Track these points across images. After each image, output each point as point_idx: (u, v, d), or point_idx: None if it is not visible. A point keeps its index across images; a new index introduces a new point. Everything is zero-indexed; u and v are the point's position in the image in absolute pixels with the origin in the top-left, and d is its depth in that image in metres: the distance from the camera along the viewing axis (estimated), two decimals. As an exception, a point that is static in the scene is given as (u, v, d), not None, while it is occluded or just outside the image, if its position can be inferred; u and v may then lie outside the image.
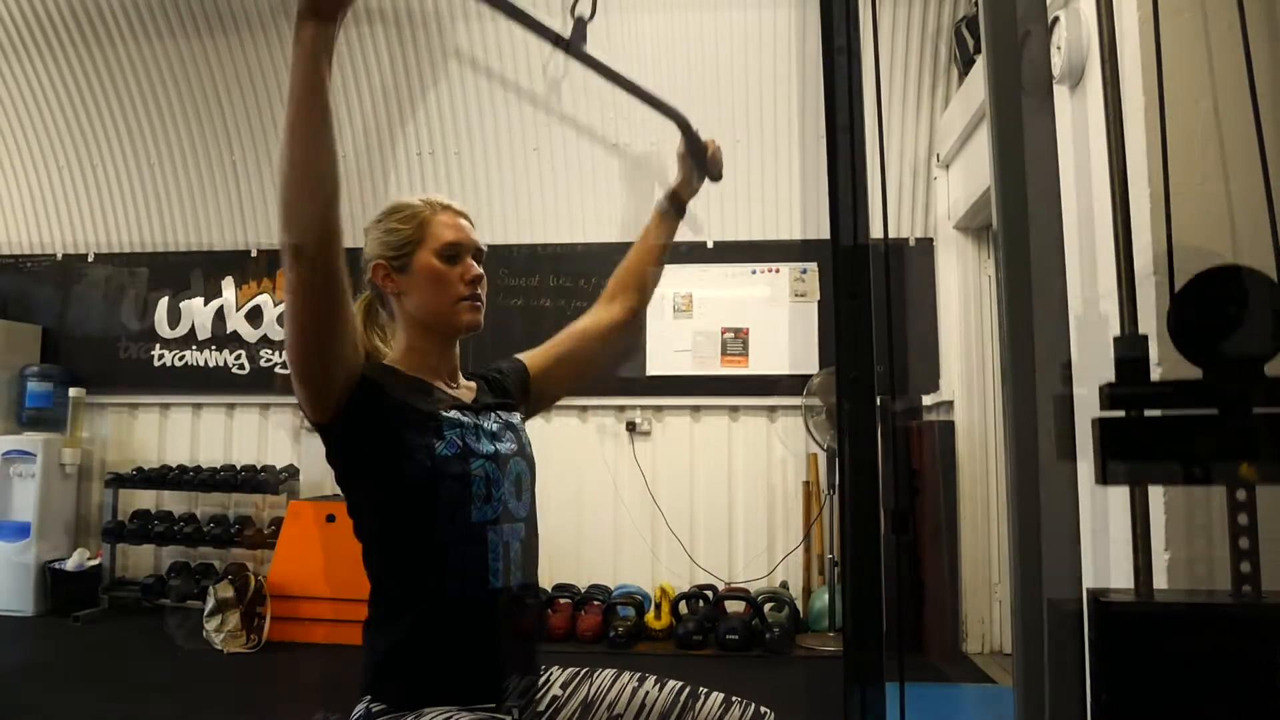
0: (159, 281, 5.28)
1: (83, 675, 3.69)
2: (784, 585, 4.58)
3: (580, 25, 1.26)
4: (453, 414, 1.27)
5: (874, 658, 0.91)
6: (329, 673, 3.70)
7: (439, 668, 1.19)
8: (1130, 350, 0.77)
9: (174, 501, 5.10)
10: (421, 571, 1.21)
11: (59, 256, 5.43)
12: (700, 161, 1.59)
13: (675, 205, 1.64)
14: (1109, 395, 0.76)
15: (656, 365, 4.72)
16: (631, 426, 4.80)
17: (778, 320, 4.75)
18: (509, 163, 4.88)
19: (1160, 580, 1.77)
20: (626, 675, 1.34)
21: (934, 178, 4.57)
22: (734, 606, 4.36)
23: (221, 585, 4.07)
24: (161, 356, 5.22)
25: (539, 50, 4.58)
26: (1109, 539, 2.05)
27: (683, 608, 4.26)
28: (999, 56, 0.83)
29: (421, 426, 1.23)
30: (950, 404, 4.34)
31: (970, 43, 4.14)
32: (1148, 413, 0.75)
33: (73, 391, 5.08)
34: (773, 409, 4.74)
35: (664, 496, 4.75)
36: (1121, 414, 0.75)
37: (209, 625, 4.02)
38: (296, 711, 3.32)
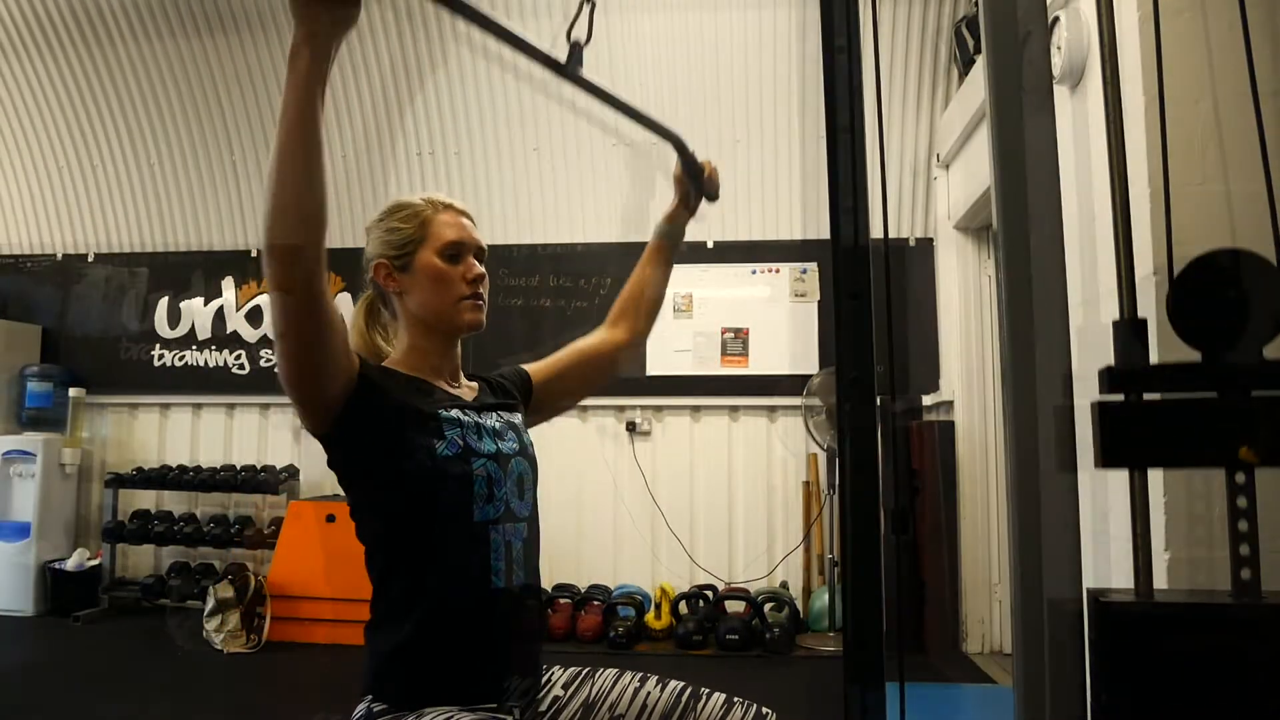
0: (159, 281, 5.28)
1: (83, 675, 3.69)
2: (784, 585, 4.58)
3: (576, 50, 1.25)
4: (453, 413, 1.27)
5: (874, 658, 0.91)
6: (329, 673, 3.70)
7: (441, 668, 1.19)
8: (1129, 334, 0.77)
9: (174, 501, 5.10)
10: (424, 572, 1.21)
11: (59, 256, 5.43)
12: (697, 182, 1.58)
13: (673, 228, 1.63)
14: (1109, 378, 0.76)
15: (656, 365, 4.72)
16: (631, 426, 4.80)
17: (778, 320, 4.75)
18: (509, 163, 4.88)
19: (1160, 580, 1.77)
20: (628, 675, 1.34)
21: (934, 178, 4.57)
22: (734, 606, 4.36)
23: (221, 585, 4.07)
24: (161, 356, 5.22)
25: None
26: (1109, 539, 2.05)
27: (683, 608, 4.26)
28: (999, 56, 0.83)
29: (422, 426, 1.23)
30: (950, 404, 4.34)
31: (970, 43, 4.14)
32: (1147, 396, 0.75)
33: (73, 391, 5.08)
34: (773, 409, 4.74)
35: (664, 496, 4.75)
36: (1121, 397, 0.75)
37: (209, 625, 4.02)
38: (296, 711, 3.32)
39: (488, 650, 1.22)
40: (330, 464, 1.24)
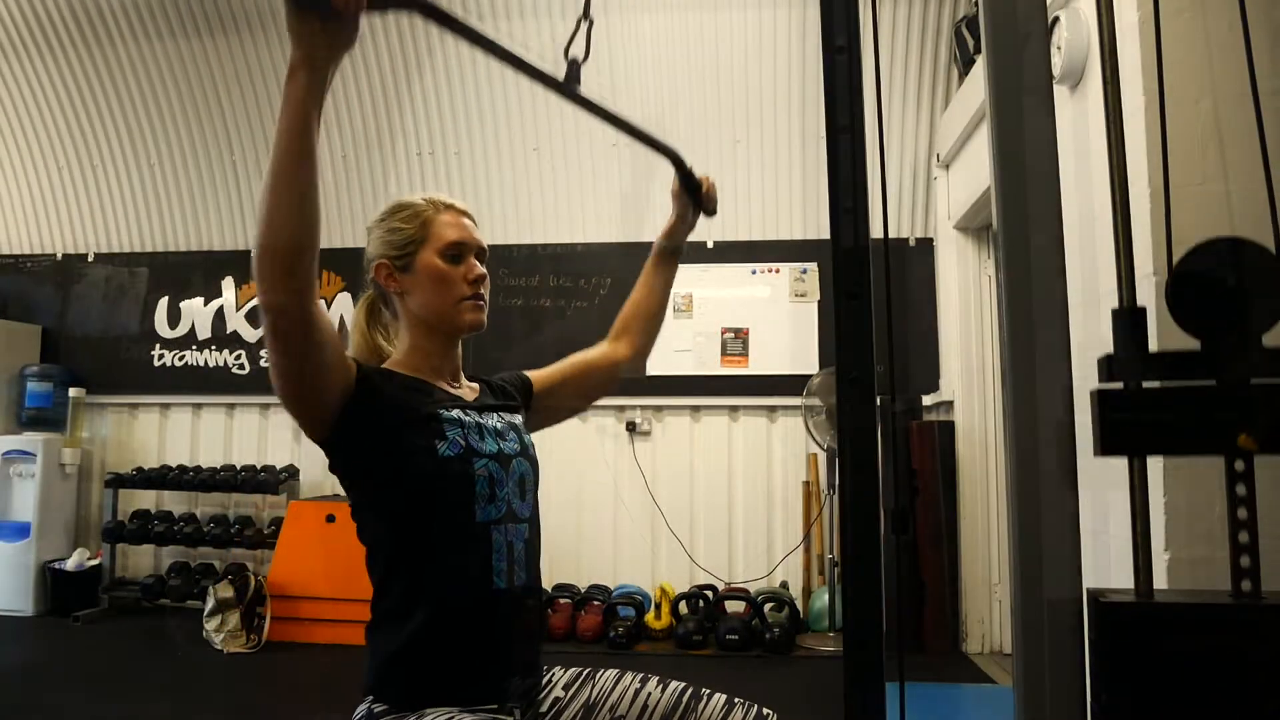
0: (159, 281, 5.28)
1: (83, 675, 3.69)
2: (784, 585, 4.58)
3: (574, 67, 1.25)
4: (454, 413, 1.27)
5: (874, 658, 0.91)
6: (329, 673, 3.70)
7: (442, 668, 1.19)
8: (1128, 321, 0.77)
9: (174, 501, 5.10)
10: (425, 572, 1.21)
11: (59, 256, 5.43)
12: (695, 197, 1.58)
13: (672, 244, 1.63)
14: (1108, 366, 0.76)
15: (656, 365, 4.71)
16: (631, 426, 4.80)
17: (778, 320, 4.75)
18: (509, 163, 4.89)
19: (1160, 580, 1.77)
20: (629, 676, 1.34)
21: (934, 178, 4.57)
22: (734, 606, 4.36)
23: (221, 585, 4.07)
24: (161, 356, 5.22)
25: (539, 50, 4.58)
26: (1109, 539, 2.05)
27: (683, 608, 4.26)
28: (999, 56, 0.83)
29: (422, 427, 1.23)
30: (950, 404, 4.34)
31: (970, 43, 4.14)
32: (1146, 384, 0.75)
33: (73, 391, 5.08)
34: (773, 409, 4.74)
35: (664, 496, 4.75)
36: (1120, 385, 0.75)
37: (209, 625, 4.02)
38: (296, 711, 3.32)
39: (489, 651, 1.22)
40: (332, 469, 1.24)
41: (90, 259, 5.38)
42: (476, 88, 4.76)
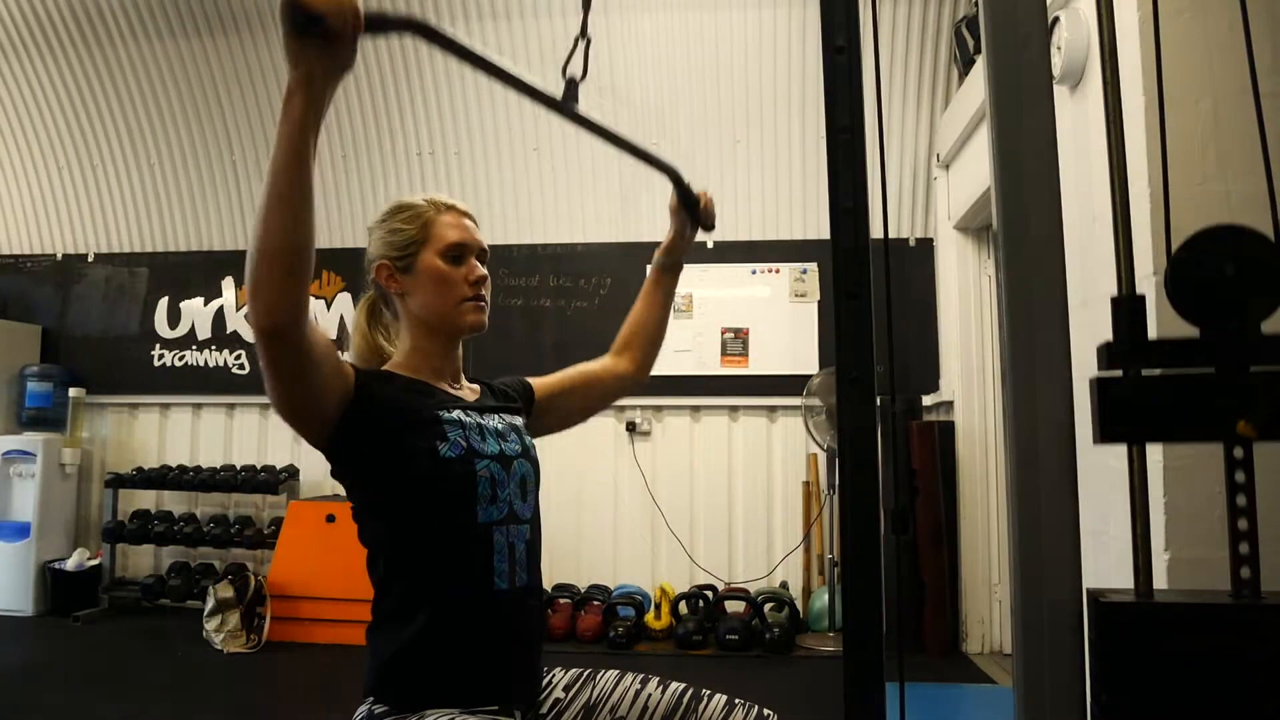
0: (159, 281, 5.29)
1: (83, 675, 3.69)
2: (784, 585, 4.58)
3: (572, 86, 1.25)
4: (455, 414, 1.27)
5: (874, 658, 0.91)
6: (329, 673, 3.70)
7: (443, 670, 1.19)
8: (1127, 309, 0.77)
9: (174, 501, 5.11)
10: (426, 573, 1.21)
11: (59, 256, 5.43)
12: (693, 213, 1.58)
13: (671, 260, 1.63)
14: (1107, 354, 0.76)
15: (657, 365, 4.70)
16: (631, 426, 4.80)
17: (778, 320, 4.75)
18: (509, 163, 4.89)
19: (1160, 580, 1.77)
20: (629, 677, 1.34)
21: (934, 178, 4.57)
22: (734, 606, 4.36)
23: (221, 585, 4.07)
24: (161, 356, 5.22)
25: (538, 51, 4.58)
26: (1109, 539, 2.05)
27: (683, 608, 4.26)
28: (999, 56, 0.83)
29: (423, 429, 1.22)
30: (950, 404, 4.34)
31: (970, 43, 4.14)
32: (1145, 373, 0.75)
33: (73, 391, 5.08)
34: (773, 409, 4.74)
35: (664, 496, 4.75)
36: (1119, 373, 0.75)
37: (209, 625, 4.02)
38: (296, 711, 3.32)
39: (490, 652, 1.22)
40: (334, 474, 1.24)
41: (90, 259, 5.39)
42: (476, 88, 4.76)
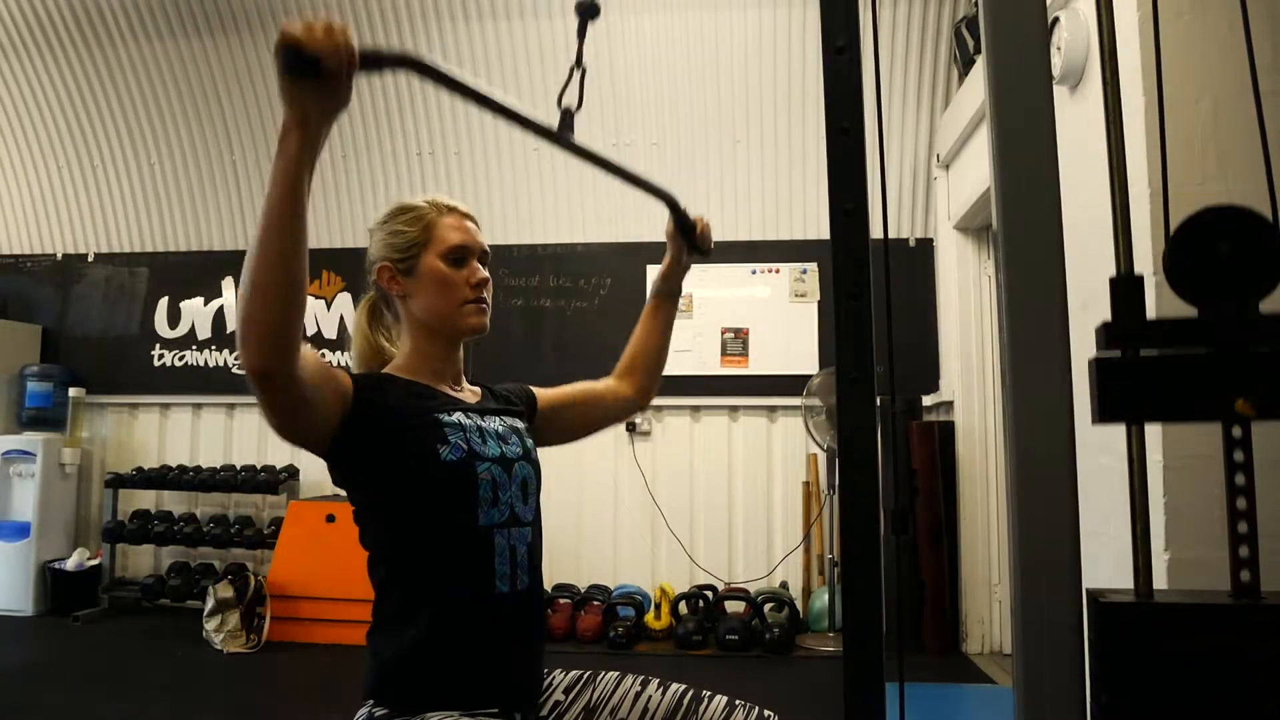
0: (159, 281, 5.29)
1: (83, 675, 3.69)
2: (784, 585, 4.58)
3: (567, 116, 1.25)
4: (455, 416, 1.27)
5: (874, 658, 0.91)
6: (329, 673, 3.70)
7: (443, 672, 1.19)
8: (1126, 290, 0.77)
9: (174, 501, 5.11)
10: (427, 577, 1.21)
11: (59, 256, 5.43)
12: (690, 238, 1.58)
13: (669, 287, 1.62)
14: (1105, 334, 0.76)
15: (656, 365, 4.72)
16: (631, 426, 4.80)
17: (778, 320, 4.75)
18: (509, 163, 4.89)
19: (1160, 580, 1.77)
20: (630, 679, 1.33)
21: (934, 178, 4.57)
22: (734, 607, 4.36)
23: (221, 585, 4.07)
24: (161, 356, 5.22)
25: (538, 51, 4.58)
26: (1109, 539, 2.05)
27: (683, 608, 4.26)
28: (999, 56, 0.83)
29: (424, 432, 1.22)
30: (950, 404, 4.34)
31: (970, 43, 4.14)
32: (1144, 353, 0.75)
33: (73, 391, 5.08)
34: (773, 409, 4.74)
35: (664, 496, 4.75)
36: (1118, 354, 0.75)
37: (209, 625, 4.02)
38: (296, 711, 3.32)
39: (491, 655, 1.21)
40: (335, 481, 1.24)
41: (90, 259, 5.39)
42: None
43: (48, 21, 4.89)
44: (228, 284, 5.20)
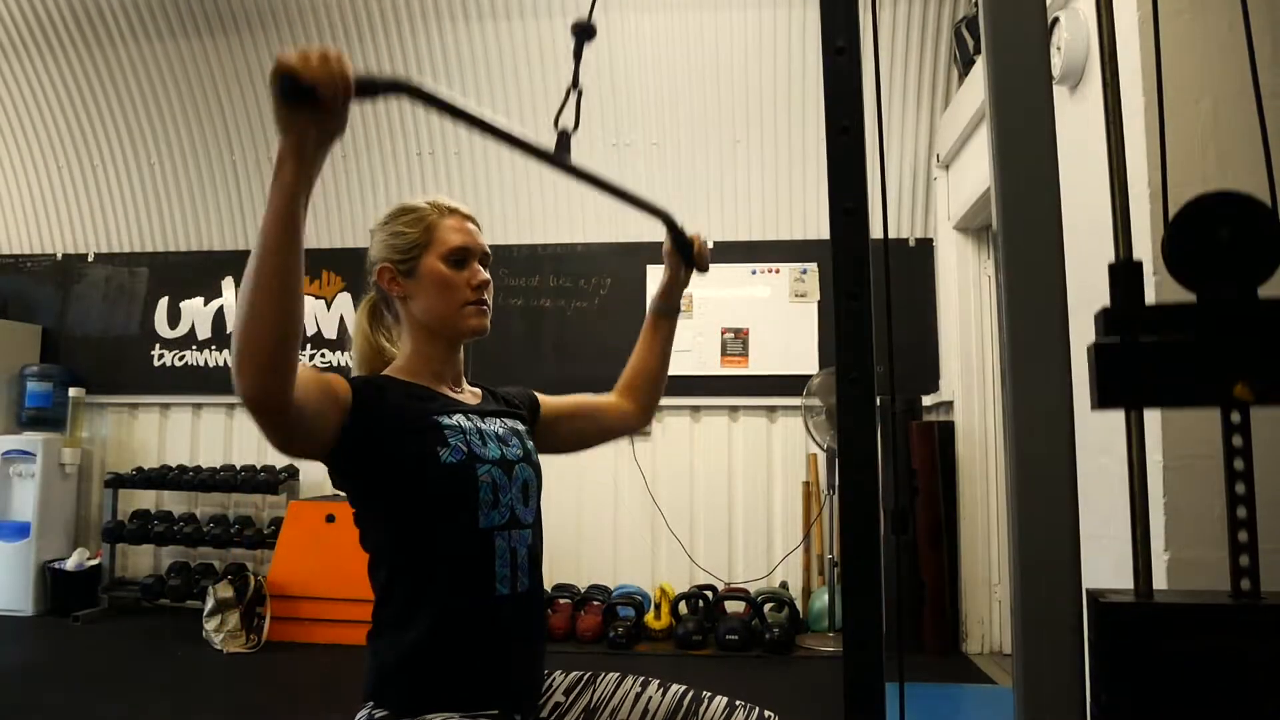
0: (159, 281, 5.29)
1: (83, 675, 3.69)
2: (784, 585, 4.58)
3: (564, 138, 1.25)
4: (455, 419, 1.27)
5: (874, 658, 0.91)
6: (329, 673, 3.70)
7: (444, 674, 1.19)
8: (1125, 275, 0.77)
9: (174, 501, 5.11)
10: (428, 579, 1.21)
11: (59, 256, 5.43)
12: (687, 256, 1.58)
13: (668, 305, 1.62)
14: (1104, 320, 0.76)
15: (656, 365, 4.71)
16: (631, 426, 4.79)
17: (778, 320, 4.75)
18: (509, 163, 4.89)
19: (1160, 581, 1.77)
20: (630, 680, 1.33)
21: (934, 178, 4.57)
22: (734, 607, 4.36)
23: (221, 585, 4.07)
24: (161, 356, 5.22)
25: (537, 51, 4.58)
26: (1109, 539, 2.05)
27: (682, 608, 4.26)
28: (999, 56, 0.83)
29: (424, 434, 1.22)
30: (950, 404, 4.34)
31: (970, 43, 4.14)
32: (1143, 338, 0.75)
33: (73, 391, 5.08)
34: (773, 409, 4.74)
35: (664, 496, 4.75)
36: (1117, 339, 0.75)
37: (209, 625, 4.02)
38: (296, 711, 3.32)
39: (491, 657, 1.21)
40: (335, 485, 1.24)
41: (90, 259, 5.39)
42: (476, 88, 4.76)
43: (48, 21, 4.89)
44: (228, 284, 5.20)
